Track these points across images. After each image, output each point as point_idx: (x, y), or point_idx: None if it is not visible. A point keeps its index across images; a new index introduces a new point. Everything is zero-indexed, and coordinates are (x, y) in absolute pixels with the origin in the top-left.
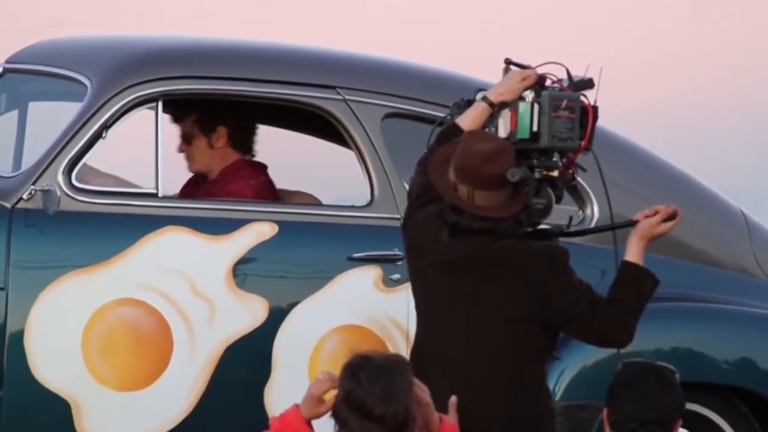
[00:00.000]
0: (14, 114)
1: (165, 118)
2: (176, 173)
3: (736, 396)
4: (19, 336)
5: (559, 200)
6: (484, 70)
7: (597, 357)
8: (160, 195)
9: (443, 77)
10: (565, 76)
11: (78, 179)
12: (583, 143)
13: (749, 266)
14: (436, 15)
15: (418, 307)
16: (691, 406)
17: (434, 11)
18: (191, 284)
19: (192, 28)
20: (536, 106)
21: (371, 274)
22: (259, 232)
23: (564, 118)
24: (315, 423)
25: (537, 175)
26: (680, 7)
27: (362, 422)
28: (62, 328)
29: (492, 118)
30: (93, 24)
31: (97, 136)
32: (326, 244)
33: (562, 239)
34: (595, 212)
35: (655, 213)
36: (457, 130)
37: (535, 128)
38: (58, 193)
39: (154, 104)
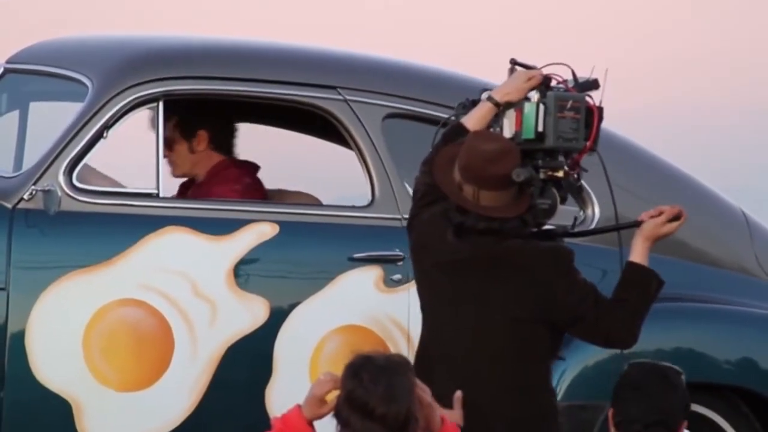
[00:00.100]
0: (15, 114)
1: (150, 121)
2: (184, 178)
3: (737, 396)
4: (20, 336)
5: (563, 201)
6: (484, 70)
7: (598, 357)
8: (160, 195)
9: (444, 77)
10: (570, 76)
11: (79, 179)
12: (588, 144)
13: (750, 266)
14: (436, 15)
15: (423, 307)
16: (692, 406)
17: (434, 11)
18: (192, 284)
19: (192, 28)
20: (541, 106)
21: (372, 274)
22: (259, 232)
23: (569, 119)
24: (317, 423)
25: (542, 175)
26: (680, 7)
27: (364, 422)
28: (63, 329)
29: (497, 118)
30: (93, 24)
31: (98, 137)
32: (327, 245)
33: (566, 240)
34: (596, 213)
35: (660, 213)
36: (462, 129)
37: (540, 128)
38: (59, 193)
39: (155, 104)
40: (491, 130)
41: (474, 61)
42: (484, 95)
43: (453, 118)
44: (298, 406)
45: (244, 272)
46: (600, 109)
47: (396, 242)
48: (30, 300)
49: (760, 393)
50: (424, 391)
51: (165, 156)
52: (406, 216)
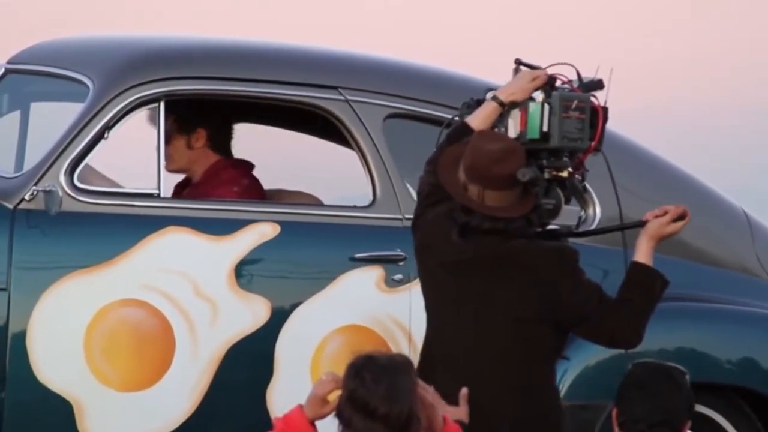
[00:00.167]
0: (16, 115)
1: (150, 119)
2: (178, 174)
3: (739, 396)
4: (21, 337)
5: (567, 201)
6: (484, 70)
7: (599, 357)
8: (161, 195)
9: (445, 77)
10: (574, 76)
11: (80, 180)
12: (593, 144)
13: (752, 266)
14: (436, 15)
15: (427, 307)
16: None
17: (434, 11)
18: (193, 285)
19: (192, 28)
20: (546, 106)
21: (373, 274)
22: (261, 232)
23: (574, 119)
24: (318, 424)
25: (546, 175)
26: (680, 8)
27: (366, 421)
28: (64, 329)
29: (501, 118)
30: (93, 24)
31: (99, 137)
32: (328, 245)
33: (570, 239)
34: (597, 212)
35: (665, 213)
36: (466, 129)
37: (545, 128)
38: (60, 193)
39: (156, 105)
40: (496, 130)
41: (474, 61)
42: (489, 95)
43: (457, 117)
44: (300, 406)
45: (245, 272)
46: (605, 109)
47: (397, 242)
48: (31, 300)
49: (762, 393)
50: (426, 391)
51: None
52: (408, 216)
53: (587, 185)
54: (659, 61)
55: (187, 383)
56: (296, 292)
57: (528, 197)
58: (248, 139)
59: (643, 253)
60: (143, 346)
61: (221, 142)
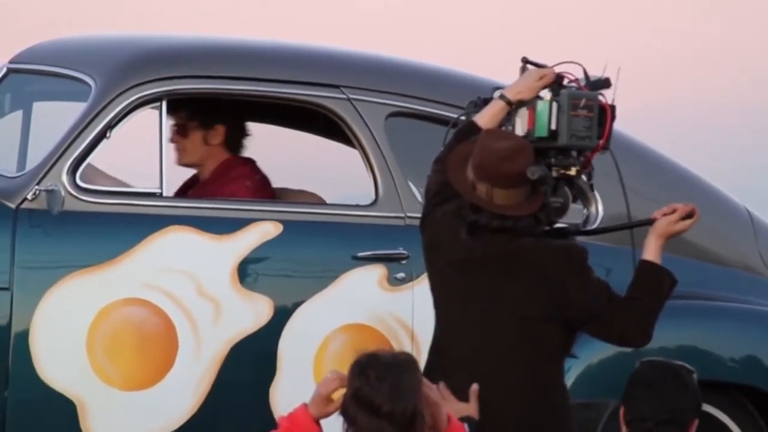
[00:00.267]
0: (18, 114)
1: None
2: (180, 173)
3: (742, 394)
4: (23, 336)
5: (575, 199)
6: (484, 70)
7: (602, 355)
8: (164, 195)
9: (447, 76)
10: (581, 75)
11: (82, 179)
12: (601, 142)
13: (754, 264)
14: (437, 15)
15: (435, 306)
16: None
17: (434, 11)
18: (196, 284)
19: (192, 28)
20: (555, 104)
21: (376, 273)
22: (263, 231)
23: (582, 117)
24: (323, 422)
25: (554, 173)
26: (681, 8)
27: (371, 419)
28: (67, 328)
29: (509, 117)
30: (93, 24)
31: (101, 136)
32: (331, 244)
33: (577, 238)
34: (599, 211)
35: (673, 211)
36: (474, 128)
37: (553, 126)
38: (63, 193)
39: (158, 104)
40: (503, 128)
41: (474, 61)
42: (496, 93)
43: (463, 117)
44: (305, 405)
45: (247, 271)
46: (613, 108)
47: (400, 241)
48: (34, 300)
49: (765, 391)
50: (430, 389)
51: (174, 141)
52: (410, 215)
53: (593, 183)
54: (659, 61)
55: (189, 382)
56: (299, 290)
57: (536, 196)
58: (250, 138)
59: (651, 252)
60: (146, 345)
61: (236, 140)
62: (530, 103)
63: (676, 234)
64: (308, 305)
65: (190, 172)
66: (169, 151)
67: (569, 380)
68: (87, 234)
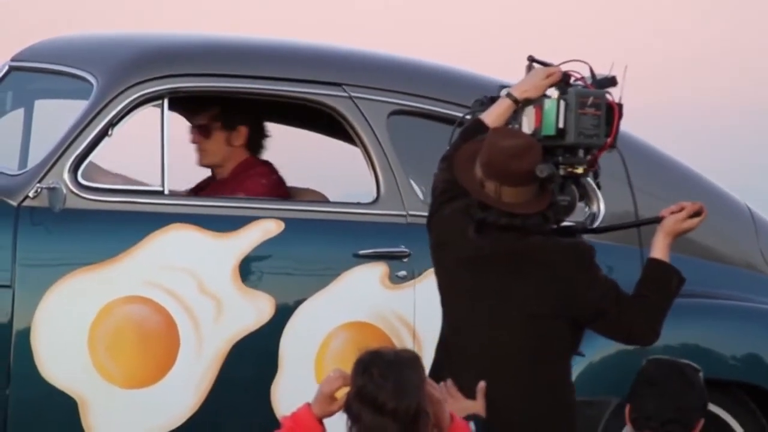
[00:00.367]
0: (20, 112)
1: (171, 116)
2: (182, 171)
3: (744, 392)
4: (25, 334)
5: (582, 198)
6: (485, 69)
7: (603, 353)
8: (166, 192)
9: (449, 74)
10: (587, 73)
11: (84, 177)
12: (609, 140)
13: (756, 262)
14: (436, 15)
15: (443, 303)
16: None
17: (434, 11)
18: (197, 282)
19: (192, 28)
20: (562, 102)
21: (377, 270)
22: (265, 229)
23: (590, 115)
24: (326, 421)
25: (561, 171)
26: (681, 8)
27: (374, 417)
28: (69, 326)
29: (515, 115)
30: (93, 24)
31: (103, 134)
32: (332, 241)
33: (585, 236)
34: (601, 209)
35: (681, 209)
36: (481, 126)
37: (561, 125)
38: (64, 190)
39: (160, 102)
40: (509, 127)
41: (475, 60)
42: (503, 92)
43: (468, 116)
44: (308, 404)
45: (249, 269)
46: (620, 106)
47: (401, 239)
48: (35, 297)
49: (767, 389)
50: (433, 388)
51: (196, 142)
52: (412, 213)
53: (599, 182)
54: (659, 61)
55: (191, 380)
56: (300, 288)
57: (545, 194)
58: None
59: (659, 250)
60: (147, 343)
61: (258, 143)
62: (537, 101)
63: (684, 232)
64: (310, 303)
65: (190, 170)
66: (172, 149)
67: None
68: (88, 232)
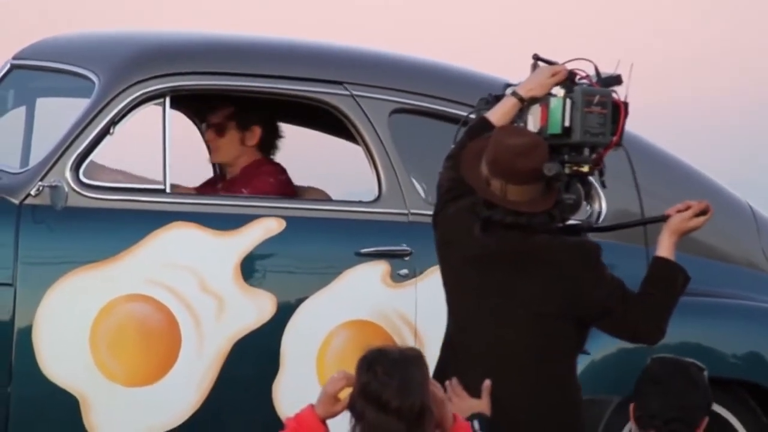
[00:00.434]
0: (22, 110)
1: (173, 114)
2: (184, 169)
3: (744, 390)
4: (27, 332)
5: (587, 196)
6: (485, 68)
7: (605, 351)
8: (167, 191)
9: (451, 73)
10: (592, 72)
11: (86, 175)
12: (615, 139)
13: (757, 261)
14: (436, 14)
15: (448, 302)
16: None
17: (434, 11)
18: (199, 280)
19: (193, 26)
20: (568, 101)
21: (379, 269)
22: (266, 227)
23: (596, 114)
24: (330, 423)
25: (567, 170)
26: (682, 8)
27: (379, 414)
28: (70, 324)
29: (521, 114)
30: (93, 24)
31: (104, 132)
32: (334, 240)
33: (590, 234)
34: (603, 207)
35: (687, 208)
36: (486, 125)
37: (567, 123)
38: (66, 189)
39: (162, 100)
40: (515, 125)
41: (475, 59)
42: (508, 90)
43: (473, 115)
44: (312, 406)
45: (250, 267)
46: (626, 105)
47: (403, 237)
48: (37, 295)
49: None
50: (436, 388)
51: (209, 139)
52: (413, 211)
53: (605, 180)
54: (659, 61)
55: (192, 378)
56: (302, 287)
57: (551, 192)
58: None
59: (665, 248)
60: (149, 341)
61: (270, 143)
62: (542, 100)
63: (689, 231)
64: (311, 301)
65: (192, 169)
66: (173, 147)
67: None
68: (90, 230)
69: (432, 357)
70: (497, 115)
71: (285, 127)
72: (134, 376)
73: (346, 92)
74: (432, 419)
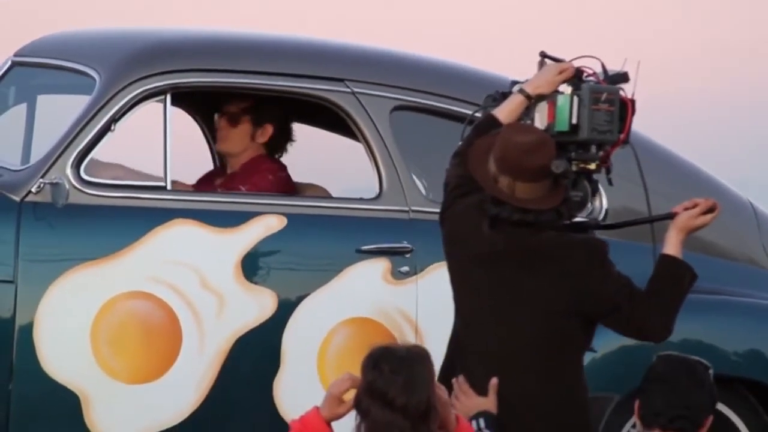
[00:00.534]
0: (23, 107)
1: (174, 111)
2: (185, 167)
3: (745, 388)
4: (28, 329)
5: (594, 193)
6: (486, 66)
7: (606, 349)
8: (168, 188)
9: (452, 70)
10: (599, 69)
11: (87, 172)
12: (622, 136)
13: (758, 257)
14: (436, 14)
15: (456, 298)
16: None
17: (435, 8)
18: (200, 277)
19: (194, 23)
20: (576, 98)
21: (380, 266)
22: (267, 224)
23: (603, 111)
24: (334, 425)
25: (574, 167)
26: (688, 3)
27: (384, 411)
28: (71, 321)
29: (527, 111)
30: (93, 22)
31: (105, 129)
32: (335, 237)
33: (597, 232)
34: (603, 204)
35: (694, 205)
36: (493, 122)
37: (574, 121)
38: (67, 186)
39: (163, 97)
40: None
41: (476, 56)
42: (516, 88)
43: (478, 114)
44: (317, 407)
45: (251, 265)
46: (633, 102)
47: (404, 234)
48: (38, 293)
49: None
50: (440, 389)
51: (220, 127)
52: (414, 208)
53: (611, 178)
54: (664, 54)
55: (193, 375)
56: (303, 284)
57: (558, 189)
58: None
59: (672, 246)
60: (150, 338)
61: (279, 143)
62: (549, 97)
63: (697, 228)
64: (312, 299)
65: (193, 166)
66: (174, 144)
67: None
68: (91, 227)
69: (432, 354)
70: (504, 112)
71: None
72: (135, 373)
73: (348, 89)
74: (437, 418)
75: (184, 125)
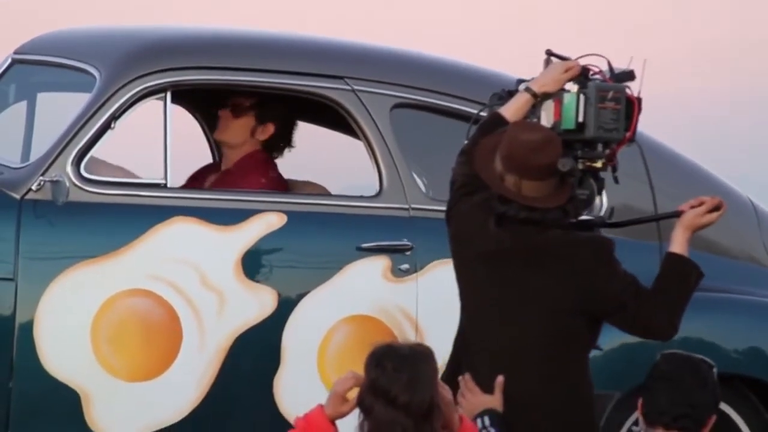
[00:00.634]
0: (23, 105)
1: (174, 109)
2: (185, 165)
3: (745, 386)
4: (28, 327)
5: (600, 192)
6: (486, 64)
7: (606, 347)
8: (168, 185)
9: (452, 67)
10: (605, 67)
11: (87, 170)
12: (628, 134)
13: (758, 255)
14: (436, 14)
15: (461, 296)
16: None
17: (435, 7)
18: (200, 275)
19: (194, 20)
20: (582, 96)
21: (380, 264)
22: (267, 222)
23: (610, 109)
24: (339, 423)
25: (580, 166)
26: (687, 3)
27: (387, 409)
28: (71, 319)
29: (533, 110)
30: (94, 18)
31: (105, 127)
32: (335, 235)
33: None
34: (604, 202)
35: (700, 203)
36: (499, 120)
37: (580, 119)
38: (67, 183)
39: (163, 95)
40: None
41: (476, 54)
42: (522, 86)
43: (483, 112)
44: (321, 406)
45: (251, 262)
46: (639, 100)
47: (404, 232)
48: (38, 290)
49: None
50: (444, 390)
51: (223, 116)
52: (414, 206)
53: (617, 176)
54: (664, 52)
55: (194, 373)
56: (303, 282)
57: (564, 187)
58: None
59: (678, 244)
60: (150, 336)
61: (278, 144)
62: (555, 95)
63: (703, 227)
64: (312, 296)
65: (193, 164)
66: (174, 142)
67: None
68: (91, 225)
69: (434, 352)
70: (510, 110)
71: None
72: (135, 371)
73: (348, 87)
74: (440, 416)
75: (185, 123)
